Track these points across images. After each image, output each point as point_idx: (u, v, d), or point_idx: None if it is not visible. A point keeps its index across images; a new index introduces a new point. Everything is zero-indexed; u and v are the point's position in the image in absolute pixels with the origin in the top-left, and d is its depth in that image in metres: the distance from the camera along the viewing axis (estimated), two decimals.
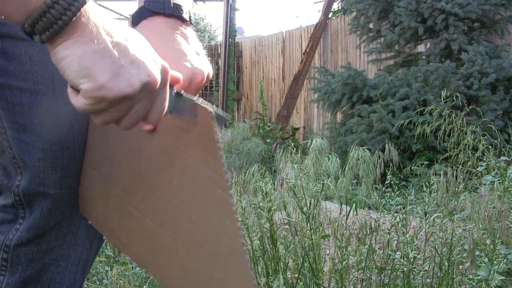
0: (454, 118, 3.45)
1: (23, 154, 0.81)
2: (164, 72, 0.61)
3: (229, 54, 7.95)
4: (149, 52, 0.60)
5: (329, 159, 3.08)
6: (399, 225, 1.65)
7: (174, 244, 0.72)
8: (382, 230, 1.77)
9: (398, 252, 1.64)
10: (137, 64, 0.57)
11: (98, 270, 2.32)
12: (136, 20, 0.77)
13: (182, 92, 0.67)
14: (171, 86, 0.65)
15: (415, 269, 1.57)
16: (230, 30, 7.92)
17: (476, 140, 3.25)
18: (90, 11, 0.55)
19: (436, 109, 3.65)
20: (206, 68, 0.76)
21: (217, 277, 0.67)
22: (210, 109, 0.64)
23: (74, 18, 0.54)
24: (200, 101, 0.66)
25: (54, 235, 0.85)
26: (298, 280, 1.68)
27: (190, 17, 0.79)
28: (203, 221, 0.68)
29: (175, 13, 0.76)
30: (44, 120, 0.80)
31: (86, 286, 2.22)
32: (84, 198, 0.86)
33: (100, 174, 0.83)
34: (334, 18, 7.56)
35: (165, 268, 0.76)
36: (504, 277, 1.71)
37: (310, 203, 1.69)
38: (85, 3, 0.54)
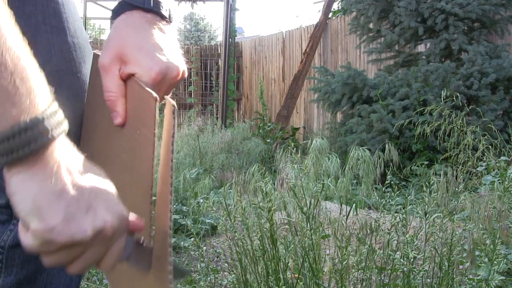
0: (454, 118, 3.45)
1: None
2: (123, 219, 0.58)
3: (229, 54, 7.95)
4: (110, 197, 0.57)
5: (329, 159, 3.08)
6: (399, 225, 1.65)
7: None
8: (382, 230, 1.77)
9: (398, 252, 1.64)
10: (93, 209, 0.55)
11: (98, 270, 2.32)
12: (116, 13, 0.76)
13: (142, 240, 0.65)
14: (132, 234, 0.63)
15: (415, 269, 1.57)
16: (230, 30, 7.93)
17: (476, 140, 3.25)
18: (57, 147, 0.53)
19: (436, 109, 3.65)
20: (182, 65, 0.74)
21: None
22: (169, 270, 0.62)
23: (39, 151, 0.52)
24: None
25: None
26: (298, 280, 1.68)
27: (170, 15, 0.78)
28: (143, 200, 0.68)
29: (154, 9, 0.75)
30: None
31: (86, 286, 2.23)
32: None
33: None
34: (334, 18, 7.57)
35: None
36: (504, 277, 1.71)
37: (310, 203, 1.69)
38: (54, 139, 0.52)
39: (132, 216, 0.62)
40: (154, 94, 0.65)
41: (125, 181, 0.72)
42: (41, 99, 0.52)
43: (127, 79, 0.71)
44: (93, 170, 0.58)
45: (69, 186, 0.54)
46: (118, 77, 0.72)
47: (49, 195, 0.52)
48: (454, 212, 2.20)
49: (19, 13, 0.61)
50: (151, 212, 0.66)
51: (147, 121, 0.67)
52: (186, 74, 0.76)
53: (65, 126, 0.55)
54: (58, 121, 0.54)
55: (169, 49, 0.74)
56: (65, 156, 0.54)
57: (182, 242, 2.92)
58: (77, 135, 0.84)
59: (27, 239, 0.55)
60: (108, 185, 0.58)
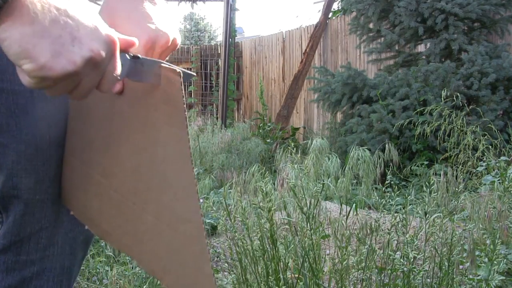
0: (454, 118, 3.45)
1: None
2: (110, 43, 0.60)
3: (229, 54, 7.95)
4: (93, 25, 0.59)
5: (329, 159, 3.08)
6: (399, 225, 1.65)
7: (158, 225, 0.71)
8: (382, 230, 1.77)
9: (398, 252, 1.64)
10: (78, 40, 0.57)
11: (98, 270, 2.32)
12: None
13: (139, 55, 0.67)
14: (125, 52, 0.65)
15: (415, 269, 1.57)
16: (230, 30, 7.93)
17: (476, 140, 3.25)
18: None
19: (436, 109, 3.65)
20: (173, 33, 0.75)
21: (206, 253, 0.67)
22: (176, 69, 0.64)
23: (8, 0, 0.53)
24: (163, 63, 0.66)
25: (34, 247, 0.83)
26: (298, 280, 1.68)
27: None
28: (187, 195, 0.66)
29: None
30: (20, 121, 0.78)
31: (86, 286, 2.22)
32: (66, 188, 0.84)
33: (81, 161, 0.82)
34: (334, 18, 7.56)
35: (150, 252, 0.74)
36: (504, 277, 1.71)
37: (310, 203, 1.69)
38: None
39: (121, 35, 0.63)
40: (175, 67, 0.65)
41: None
42: None
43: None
44: (74, 1, 0.59)
45: (49, 24, 0.55)
46: None
47: (31, 37, 0.55)
48: (454, 212, 2.20)
49: None
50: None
51: (171, 102, 0.66)
52: (178, 42, 0.76)
53: None
54: None
55: (158, 18, 0.74)
56: None
57: None
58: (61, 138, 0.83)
59: (25, 80, 0.57)
60: (91, 13, 0.60)
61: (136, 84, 0.70)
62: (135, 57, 0.66)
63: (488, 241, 1.66)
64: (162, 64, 0.67)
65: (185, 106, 0.64)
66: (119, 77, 0.64)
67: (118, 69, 0.63)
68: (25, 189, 0.80)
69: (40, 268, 0.84)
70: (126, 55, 0.65)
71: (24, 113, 0.78)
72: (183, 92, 0.65)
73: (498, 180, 2.31)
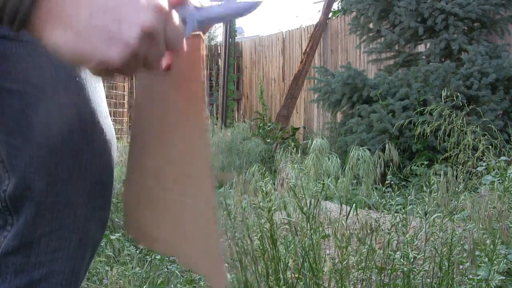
0: (454, 118, 3.44)
1: (11, 158, 0.78)
2: (158, 9, 0.57)
3: (229, 54, 7.95)
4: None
5: (329, 159, 3.08)
6: (399, 225, 1.65)
7: (197, 206, 0.71)
8: (382, 230, 1.77)
9: (398, 252, 1.64)
10: (123, 21, 0.55)
11: (98, 270, 2.32)
12: None
13: (199, 4, 0.65)
14: (184, 5, 0.63)
15: (415, 269, 1.57)
16: (230, 30, 7.93)
17: (476, 140, 3.25)
18: None
19: (436, 109, 3.65)
20: None
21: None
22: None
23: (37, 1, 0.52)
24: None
25: (43, 249, 0.83)
26: (298, 280, 1.68)
27: None
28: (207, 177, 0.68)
29: None
30: (32, 123, 0.78)
31: (86, 286, 2.23)
32: (127, 214, 0.85)
33: (137, 173, 0.82)
34: (334, 18, 7.56)
35: (197, 250, 0.74)
36: (504, 277, 1.71)
37: (310, 203, 1.69)
38: None
39: None
40: (201, 37, 0.65)
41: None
42: None
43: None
44: None
45: (89, 17, 0.54)
46: None
47: (77, 37, 0.53)
48: (454, 212, 2.20)
49: None
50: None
51: (194, 71, 0.66)
52: None
53: None
54: None
55: None
56: None
57: None
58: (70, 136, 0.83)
59: (93, 75, 0.57)
60: None
61: (177, 62, 0.68)
62: (197, 7, 0.64)
63: (488, 241, 1.66)
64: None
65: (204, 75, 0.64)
66: (186, 35, 0.62)
67: (180, 30, 0.61)
68: (37, 191, 0.80)
69: (49, 270, 0.84)
70: (185, 7, 0.63)
71: (36, 115, 0.78)
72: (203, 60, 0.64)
73: (498, 180, 2.31)
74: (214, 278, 0.70)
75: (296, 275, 1.69)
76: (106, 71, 0.56)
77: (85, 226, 0.86)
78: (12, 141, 0.78)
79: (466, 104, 3.90)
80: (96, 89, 0.83)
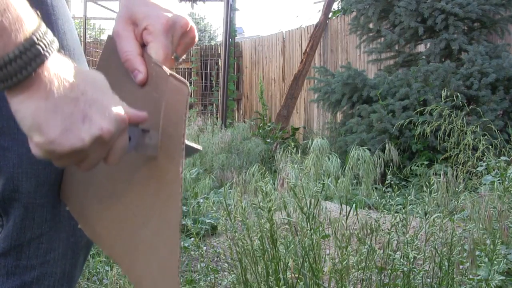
0: (454, 118, 3.44)
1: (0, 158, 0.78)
2: (120, 121, 0.62)
3: (229, 54, 7.95)
4: (105, 102, 0.61)
5: (329, 159, 3.08)
6: (399, 225, 1.65)
7: (155, 242, 0.71)
8: (382, 230, 1.77)
9: (398, 252, 1.64)
10: (89, 118, 0.59)
11: (98, 270, 2.32)
12: None
13: (149, 129, 0.68)
14: (136, 125, 0.66)
15: (415, 269, 1.57)
16: (230, 30, 7.92)
17: (476, 140, 3.25)
18: (50, 65, 0.57)
19: (436, 109, 3.65)
20: (189, 20, 0.76)
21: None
22: (182, 145, 0.65)
23: (33, 73, 0.55)
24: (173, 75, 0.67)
25: (34, 252, 0.82)
26: (298, 280, 1.68)
27: None
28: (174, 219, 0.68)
29: None
30: None
31: (86, 286, 2.23)
32: (66, 182, 0.83)
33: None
34: (334, 18, 7.57)
35: (143, 267, 0.74)
36: (504, 277, 1.71)
37: (310, 203, 1.69)
38: (47, 59, 0.56)
39: (131, 110, 0.64)
40: (187, 86, 0.66)
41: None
42: (29, 25, 0.56)
43: (149, 60, 0.72)
44: (88, 77, 0.61)
45: (63, 100, 0.57)
46: (134, 38, 0.73)
47: (45, 111, 0.57)
48: (454, 212, 2.20)
49: None
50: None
51: (174, 118, 0.67)
52: (195, 31, 0.77)
53: (55, 44, 0.58)
54: (48, 42, 0.57)
55: (173, 7, 0.76)
56: (58, 72, 0.58)
57: (182, 242, 2.92)
58: None
59: (33, 150, 0.59)
60: (103, 89, 0.62)
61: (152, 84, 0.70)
62: (144, 131, 0.68)
63: (488, 241, 1.66)
64: (171, 72, 0.67)
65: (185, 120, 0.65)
66: (126, 151, 0.65)
67: (126, 145, 0.65)
68: (26, 193, 0.79)
69: (40, 273, 0.83)
70: (135, 128, 0.67)
71: None
72: (187, 105, 0.65)
73: (498, 180, 2.31)
74: None
75: (296, 275, 1.69)
76: (48, 153, 0.58)
77: (76, 227, 0.86)
78: (0, 141, 0.78)
79: (466, 104, 3.90)
80: None
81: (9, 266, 0.82)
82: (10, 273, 0.82)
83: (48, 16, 0.80)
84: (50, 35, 0.58)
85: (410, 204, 1.72)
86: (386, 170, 2.67)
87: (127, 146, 0.65)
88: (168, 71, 0.69)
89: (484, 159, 2.98)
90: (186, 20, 0.75)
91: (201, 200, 3.36)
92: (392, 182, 1.92)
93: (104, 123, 0.60)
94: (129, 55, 0.72)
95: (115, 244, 0.79)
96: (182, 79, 0.67)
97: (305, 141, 5.07)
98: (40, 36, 0.56)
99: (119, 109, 0.62)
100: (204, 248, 2.39)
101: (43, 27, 0.57)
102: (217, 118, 7.66)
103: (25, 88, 0.56)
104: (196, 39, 0.78)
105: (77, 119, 0.58)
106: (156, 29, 0.71)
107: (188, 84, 0.66)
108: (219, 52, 9.07)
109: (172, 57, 0.75)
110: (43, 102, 0.56)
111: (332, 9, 7.73)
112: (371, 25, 5.38)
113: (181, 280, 2.16)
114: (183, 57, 0.80)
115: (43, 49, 0.56)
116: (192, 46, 0.79)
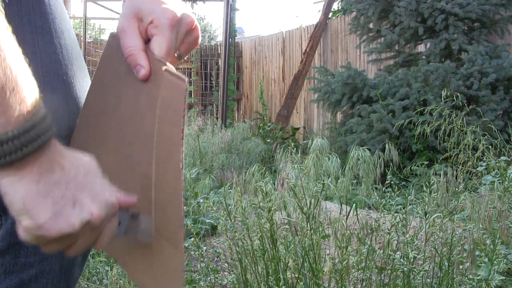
0: (454, 118, 3.44)
1: None
2: (111, 206, 0.61)
3: (229, 54, 7.95)
4: (96, 187, 0.60)
5: (329, 159, 3.08)
6: (399, 225, 1.65)
7: (159, 240, 0.71)
8: (382, 230, 1.77)
9: (398, 252, 1.64)
10: (80, 202, 0.58)
11: (98, 270, 2.32)
12: None
13: (139, 213, 0.68)
14: (126, 210, 0.66)
15: (415, 269, 1.57)
16: (230, 30, 7.92)
17: (476, 140, 3.25)
18: (46, 149, 0.56)
19: (436, 109, 3.65)
20: (194, 18, 0.76)
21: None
22: (182, 76, 0.65)
23: (26, 157, 0.55)
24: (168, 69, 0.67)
25: (32, 249, 0.82)
26: (298, 280, 1.68)
27: None
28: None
29: None
30: None
31: (86, 286, 2.23)
32: None
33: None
34: (334, 18, 7.57)
35: (142, 265, 0.74)
36: (504, 277, 1.71)
37: (310, 203, 1.69)
38: (39, 146, 0.55)
39: (123, 194, 0.64)
40: (185, 82, 0.65)
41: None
42: (30, 108, 0.55)
43: (152, 59, 0.71)
44: (80, 161, 0.60)
45: (55, 184, 0.56)
46: (138, 34, 0.72)
47: (35, 196, 0.55)
48: (454, 212, 2.20)
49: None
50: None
51: (171, 115, 0.66)
52: (199, 31, 0.77)
53: (51, 131, 0.57)
54: (45, 128, 0.56)
55: (178, 5, 0.76)
56: (52, 156, 0.57)
57: None
58: (59, 136, 0.82)
59: (22, 234, 0.58)
60: (94, 174, 0.61)
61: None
62: (134, 216, 0.68)
63: (488, 241, 1.66)
64: (166, 67, 0.67)
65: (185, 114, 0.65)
66: (116, 235, 0.65)
67: (115, 230, 0.64)
68: None
69: (38, 270, 0.83)
70: (125, 213, 0.67)
71: None
72: (186, 99, 0.64)
73: (498, 180, 2.31)
74: None
75: (296, 275, 1.69)
76: (36, 238, 0.57)
77: None
78: None
79: (466, 104, 3.90)
80: (84, 88, 0.83)
81: (7, 264, 0.82)
82: (8, 271, 0.82)
83: (46, 15, 0.80)
84: (48, 120, 0.57)
85: (410, 204, 1.72)
86: (386, 170, 2.67)
87: (115, 231, 0.65)
88: (168, 67, 0.68)
89: (484, 159, 2.98)
90: (192, 19, 0.75)
91: (201, 200, 3.36)
92: (392, 182, 1.92)
93: (95, 208, 0.59)
94: (132, 50, 0.71)
95: (117, 245, 0.79)
96: (180, 75, 0.66)
97: (305, 141, 5.07)
98: (40, 120, 0.56)
99: (109, 194, 0.62)
100: (204, 248, 2.39)
101: (43, 110, 0.57)
102: (217, 118, 7.66)
103: (18, 169, 0.55)
104: (200, 39, 0.78)
105: (68, 203, 0.57)
106: (162, 23, 0.71)
107: (186, 80, 0.65)
108: (219, 52, 9.07)
109: (175, 54, 0.75)
110: (34, 185, 0.55)
111: (332, 9, 7.73)
112: (371, 25, 5.38)
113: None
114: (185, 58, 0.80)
115: (41, 133, 0.56)
116: (195, 46, 0.79)
